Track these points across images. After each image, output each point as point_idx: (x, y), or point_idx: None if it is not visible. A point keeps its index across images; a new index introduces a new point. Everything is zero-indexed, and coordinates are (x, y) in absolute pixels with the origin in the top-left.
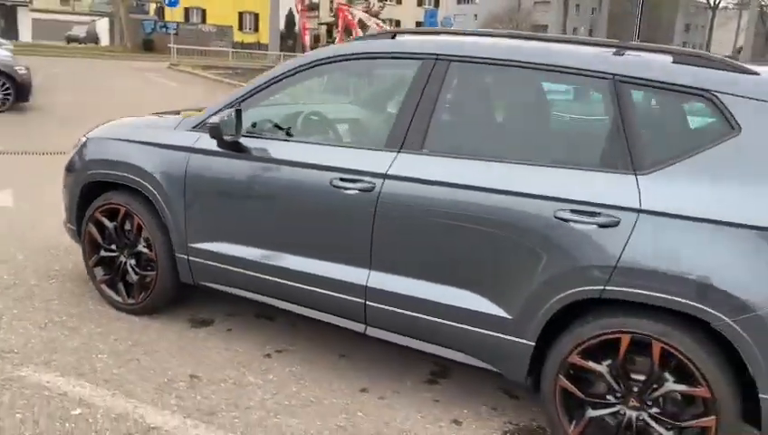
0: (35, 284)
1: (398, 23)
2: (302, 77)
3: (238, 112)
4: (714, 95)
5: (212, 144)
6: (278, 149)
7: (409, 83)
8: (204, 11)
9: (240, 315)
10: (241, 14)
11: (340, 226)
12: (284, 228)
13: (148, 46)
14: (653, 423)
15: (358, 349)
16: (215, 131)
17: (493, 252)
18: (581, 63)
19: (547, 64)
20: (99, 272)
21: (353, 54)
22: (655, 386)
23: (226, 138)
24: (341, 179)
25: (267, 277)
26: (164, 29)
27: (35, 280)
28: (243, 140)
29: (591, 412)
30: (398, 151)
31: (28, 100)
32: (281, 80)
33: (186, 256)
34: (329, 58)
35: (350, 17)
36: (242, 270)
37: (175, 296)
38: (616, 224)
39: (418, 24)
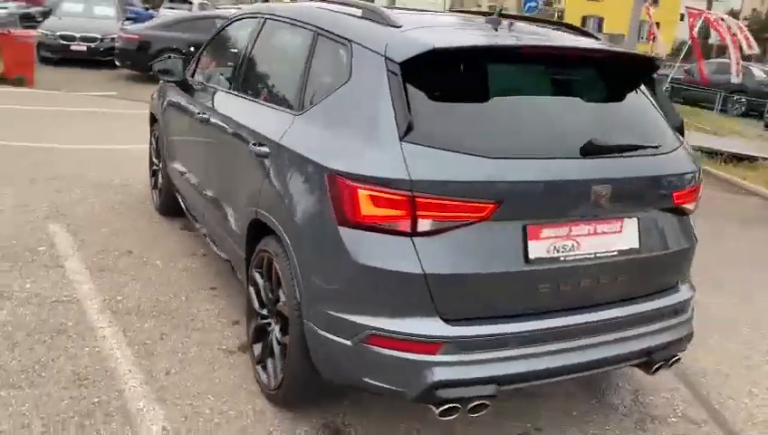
0: None
1: None
2: (226, 34)
3: (185, 60)
4: (351, 44)
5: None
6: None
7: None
8: (601, 20)
9: None
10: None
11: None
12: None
13: None
14: (280, 337)
15: None
16: (161, 73)
17: (231, 173)
18: (303, 18)
19: (284, 18)
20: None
21: (242, 15)
22: (276, 302)
23: (171, 78)
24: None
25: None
26: None
27: None
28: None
29: (257, 322)
30: (227, 91)
31: None
32: (214, 37)
33: None
34: (235, 18)
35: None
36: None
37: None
38: (267, 155)
39: None
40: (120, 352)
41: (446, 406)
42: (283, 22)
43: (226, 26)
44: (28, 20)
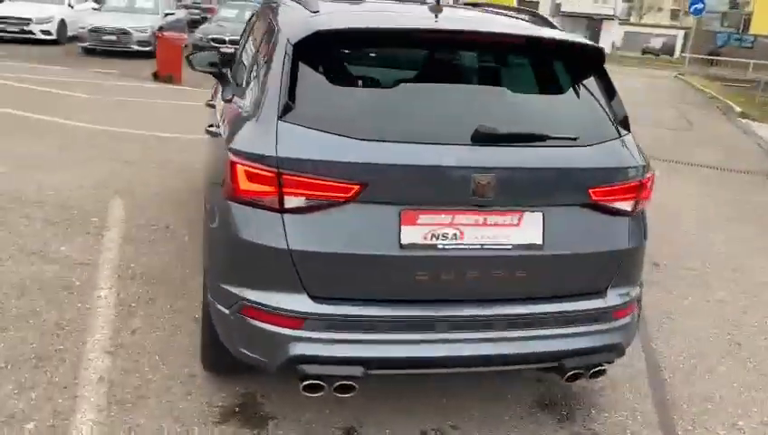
0: None
1: None
2: (246, 26)
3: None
4: (277, 28)
5: None
6: None
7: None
8: None
9: None
10: None
11: None
12: None
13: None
14: None
15: None
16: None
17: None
18: (267, 7)
19: (261, 7)
20: None
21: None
22: None
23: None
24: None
25: None
26: (738, 41)
27: None
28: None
29: None
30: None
31: None
32: (245, 29)
33: None
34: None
35: None
36: None
37: None
38: (216, 135)
39: None
40: (104, 310)
41: (308, 382)
42: (261, 11)
43: (251, 18)
44: (195, 25)
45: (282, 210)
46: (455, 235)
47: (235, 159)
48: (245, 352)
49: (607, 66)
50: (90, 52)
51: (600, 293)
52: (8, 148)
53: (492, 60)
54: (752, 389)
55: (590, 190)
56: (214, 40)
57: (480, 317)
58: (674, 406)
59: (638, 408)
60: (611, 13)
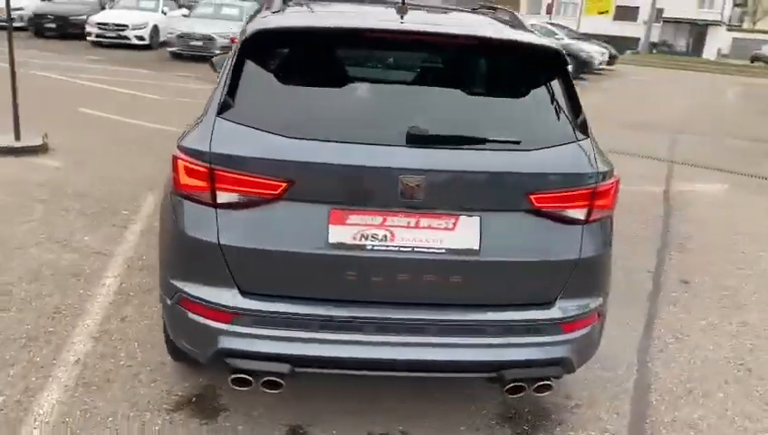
0: None
1: None
2: None
3: None
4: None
5: None
6: None
7: None
8: None
9: None
10: None
11: None
12: None
13: None
14: None
15: None
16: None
17: None
18: None
19: None
20: None
21: None
22: None
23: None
24: None
25: None
26: None
27: None
28: None
29: None
30: None
31: None
32: None
33: None
34: None
35: None
36: None
37: None
38: None
39: None
40: (103, 298)
41: (236, 375)
42: None
43: None
44: None
45: (215, 205)
46: (385, 236)
47: (177, 153)
48: (183, 343)
49: (700, 73)
50: (177, 56)
51: (547, 304)
52: (69, 143)
53: (439, 61)
54: (747, 418)
55: (531, 196)
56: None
57: (410, 321)
58: (650, 430)
59: (610, 429)
60: (718, 18)
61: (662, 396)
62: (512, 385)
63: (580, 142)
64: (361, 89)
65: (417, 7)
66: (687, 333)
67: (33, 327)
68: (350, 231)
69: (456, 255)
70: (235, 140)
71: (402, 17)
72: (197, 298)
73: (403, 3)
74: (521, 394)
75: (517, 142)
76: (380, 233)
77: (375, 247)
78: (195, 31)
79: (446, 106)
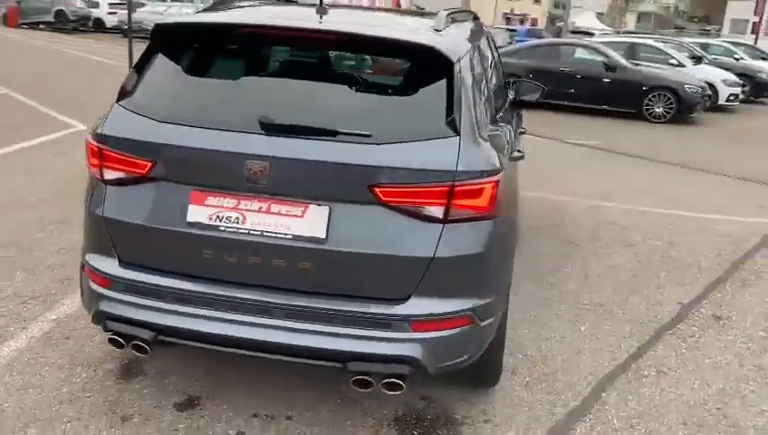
0: None
1: None
2: None
3: None
4: None
5: None
6: None
7: None
8: None
9: None
10: None
11: None
12: None
13: None
14: None
15: None
16: None
17: None
18: None
19: None
20: None
21: None
22: None
23: None
24: None
25: None
26: None
27: None
28: None
29: None
30: None
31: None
32: None
33: None
34: None
35: None
36: None
37: None
38: None
39: None
40: None
41: (110, 336)
42: None
43: None
44: None
45: (104, 182)
46: (237, 219)
47: (87, 136)
48: (83, 304)
49: None
50: None
51: (398, 299)
52: None
53: (315, 56)
54: None
55: (376, 189)
56: None
57: (259, 303)
58: None
59: None
60: None
61: (591, 428)
62: (358, 377)
63: (442, 139)
64: (236, 80)
65: (343, 8)
66: (677, 368)
67: (23, 291)
68: (207, 212)
69: (302, 242)
70: (121, 123)
71: (321, 17)
72: (90, 265)
73: (321, 3)
74: (369, 389)
75: (368, 136)
76: (233, 215)
77: (227, 229)
78: None
79: (309, 98)
